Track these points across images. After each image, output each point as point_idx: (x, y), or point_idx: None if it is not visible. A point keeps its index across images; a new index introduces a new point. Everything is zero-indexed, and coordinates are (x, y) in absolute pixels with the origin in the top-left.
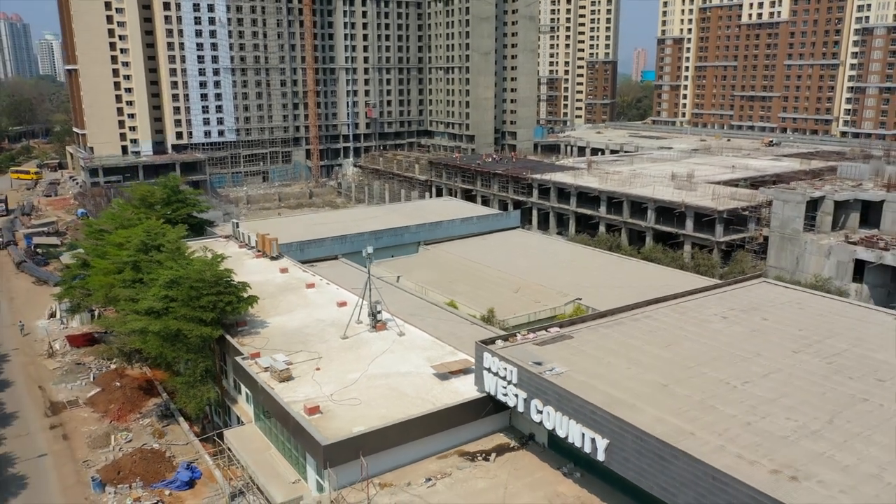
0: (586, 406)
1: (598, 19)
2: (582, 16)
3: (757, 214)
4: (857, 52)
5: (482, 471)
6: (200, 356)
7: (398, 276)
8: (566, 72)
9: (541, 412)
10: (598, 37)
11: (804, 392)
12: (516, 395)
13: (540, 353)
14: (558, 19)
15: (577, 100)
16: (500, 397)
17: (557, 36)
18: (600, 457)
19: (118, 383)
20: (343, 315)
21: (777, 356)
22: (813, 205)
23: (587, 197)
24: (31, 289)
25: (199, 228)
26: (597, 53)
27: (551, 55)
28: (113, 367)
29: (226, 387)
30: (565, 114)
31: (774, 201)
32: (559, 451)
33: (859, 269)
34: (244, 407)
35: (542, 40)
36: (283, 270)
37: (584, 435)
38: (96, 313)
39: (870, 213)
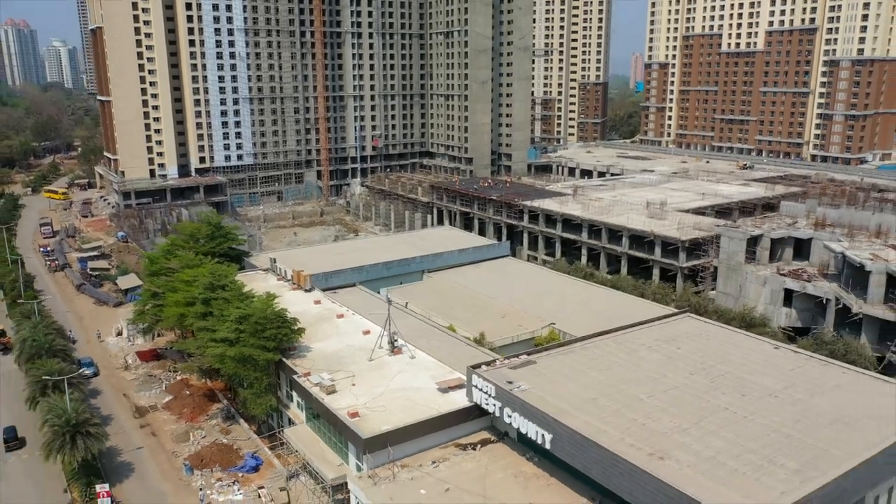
0: (539, 413)
1: (590, 43)
2: (574, 40)
3: (712, 245)
4: (825, 82)
5: (470, 457)
6: (265, 374)
7: (406, 303)
8: (560, 92)
9: (510, 417)
10: (589, 59)
11: (687, 403)
12: (494, 405)
13: (512, 375)
14: (552, 43)
15: (570, 119)
16: (484, 406)
17: (551, 59)
18: (548, 447)
19: (187, 391)
20: (367, 342)
21: (678, 377)
22: (754, 240)
23: (571, 223)
24: (94, 309)
25: (238, 258)
26: (588, 76)
27: (545, 77)
28: (178, 378)
29: (280, 396)
30: (559, 132)
31: (722, 237)
32: (524, 443)
33: (789, 296)
34: (296, 411)
35: (537, 63)
36: (317, 302)
37: (537, 432)
38: (156, 333)
39: (802, 247)
